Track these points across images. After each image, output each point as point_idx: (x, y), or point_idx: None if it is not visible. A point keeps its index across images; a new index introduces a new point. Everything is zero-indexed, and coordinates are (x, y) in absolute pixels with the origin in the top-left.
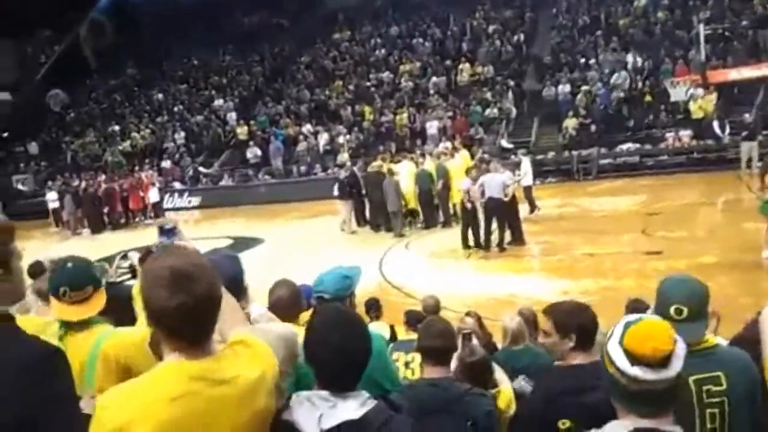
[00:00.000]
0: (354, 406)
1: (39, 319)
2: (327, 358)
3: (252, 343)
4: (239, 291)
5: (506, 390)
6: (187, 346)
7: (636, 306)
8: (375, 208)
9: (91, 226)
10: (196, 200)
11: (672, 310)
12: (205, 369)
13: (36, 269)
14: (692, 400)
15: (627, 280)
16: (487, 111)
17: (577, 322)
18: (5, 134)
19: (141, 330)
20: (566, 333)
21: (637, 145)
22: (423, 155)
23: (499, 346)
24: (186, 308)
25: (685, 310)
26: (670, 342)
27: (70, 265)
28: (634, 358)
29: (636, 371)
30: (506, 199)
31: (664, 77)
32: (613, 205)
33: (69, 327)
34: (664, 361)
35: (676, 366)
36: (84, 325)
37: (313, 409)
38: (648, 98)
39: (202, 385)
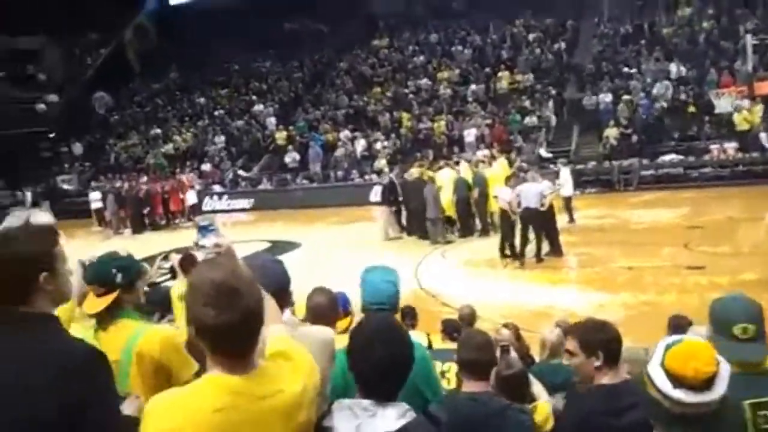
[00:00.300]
0: (393, 417)
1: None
2: (370, 367)
3: (293, 354)
4: (286, 298)
5: (544, 405)
6: (229, 361)
7: (678, 322)
8: (413, 215)
9: (133, 227)
10: (235, 203)
11: (737, 329)
12: (246, 384)
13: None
14: (746, 425)
15: (667, 295)
16: (526, 119)
17: (602, 338)
18: (52, 135)
19: (176, 329)
20: (593, 351)
21: (680, 157)
22: (458, 163)
23: (537, 358)
24: (230, 326)
25: (751, 329)
26: (713, 363)
27: (95, 261)
28: (676, 380)
29: (679, 394)
30: (543, 209)
31: (708, 88)
32: (654, 218)
33: (98, 322)
34: (708, 384)
35: (720, 388)
36: (109, 320)
37: (352, 417)
38: (692, 109)
39: (243, 400)
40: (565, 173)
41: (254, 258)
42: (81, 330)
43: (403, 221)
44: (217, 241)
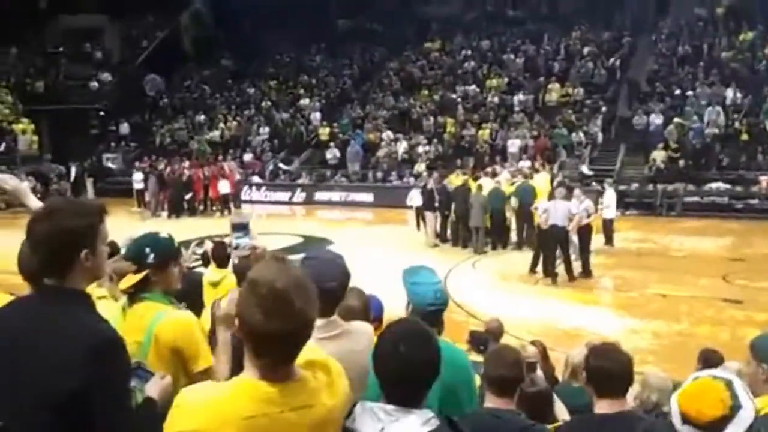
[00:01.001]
0: (417, 424)
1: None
2: (393, 370)
3: (333, 369)
4: (338, 298)
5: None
6: (269, 365)
7: (708, 356)
8: (451, 223)
9: (171, 210)
10: (272, 195)
11: None
12: (282, 393)
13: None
14: None
15: (701, 327)
16: (573, 134)
17: (591, 365)
18: (102, 113)
19: (192, 315)
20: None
21: (728, 186)
22: (495, 174)
23: (560, 378)
24: (279, 334)
25: None
26: (720, 407)
27: (133, 239)
28: (684, 417)
29: (685, 430)
30: (569, 229)
31: (765, 117)
32: (695, 246)
33: (129, 299)
34: (716, 426)
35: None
36: (137, 299)
37: (375, 421)
38: (744, 137)
39: (276, 408)
40: (610, 194)
41: (314, 254)
42: (110, 307)
43: (437, 228)
44: (254, 243)
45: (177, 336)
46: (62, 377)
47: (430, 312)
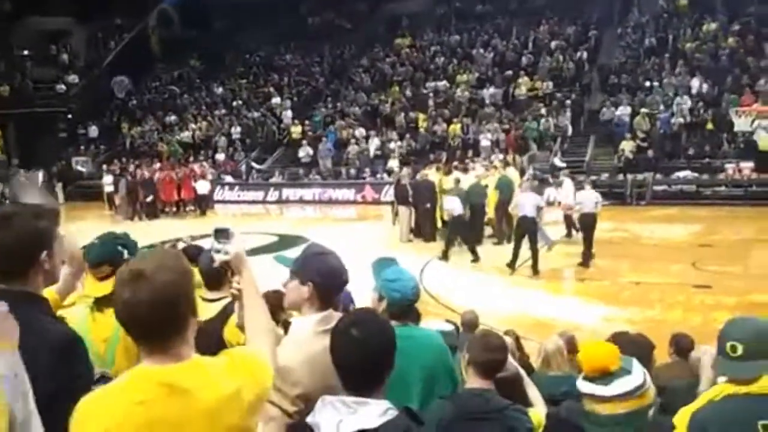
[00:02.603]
0: (375, 414)
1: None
2: (346, 354)
3: (236, 355)
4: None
5: (536, 412)
6: (151, 351)
7: (680, 340)
8: (423, 218)
9: (144, 212)
10: (246, 195)
11: (727, 346)
12: (170, 374)
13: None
14: None
15: (673, 312)
16: (542, 126)
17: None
18: (69, 116)
19: None
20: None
21: (695, 174)
22: (466, 169)
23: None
24: (131, 310)
25: (740, 348)
26: (609, 362)
27: (96, 241)
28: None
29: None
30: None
31: (729, 106)
32: (665, 234)
33: (98, 303)
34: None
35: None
36: (110, 302)
37: (335, 413)
38: (710, 126)
39: (166, 392)
40: (568, 185)
41: (320, 248)
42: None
43: (412, 223)
44: (228, 248)
45: None
46: (34, 382)
47: (407, 306)
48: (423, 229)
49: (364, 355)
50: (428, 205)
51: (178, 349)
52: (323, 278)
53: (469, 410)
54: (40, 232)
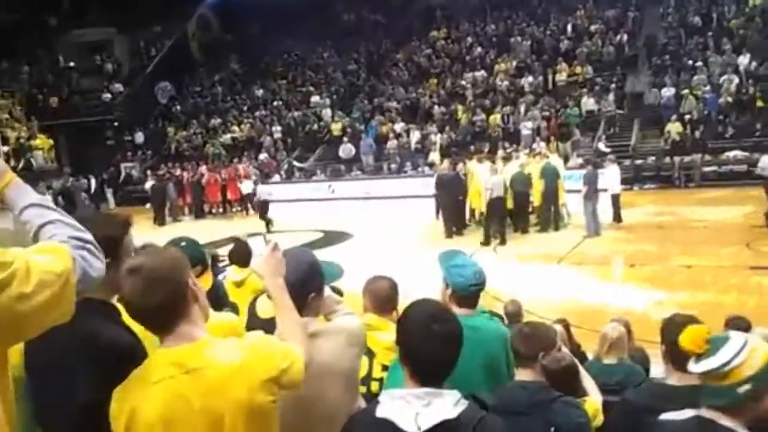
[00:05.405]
0: (449, 404)
1: None
2: (428, 350)
3: (252, 335)
4: (305, 292)
5: (592, 401)
6: (164, 335)
7: (737, 323)
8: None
9: (193, 214)
10: (291, 193)
11: None
12: (180, 354)
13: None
14: None
15: (727, 295)
16: (585, 112)
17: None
18: (116, 123)
19: (233, 317)
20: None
21: (746, 153)
22: (508, 158)
23: (592, 355)
24: (131, 301)
25: None
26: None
27: (183, 243)
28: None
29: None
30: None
31: None
32: (716, 216)
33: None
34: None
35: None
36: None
37: (407, 407)
38: (759, 104)
39: (175, 370)
40: (613, 170)
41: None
42: None
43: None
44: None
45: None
46: (82, 391)
47: (471, 292)
48: (448, 224)
49: (445, 351)
50: (460, 198)
51: (187, 331)
52: (291, 286)
53: (509, 404)
54: (107, 240)
